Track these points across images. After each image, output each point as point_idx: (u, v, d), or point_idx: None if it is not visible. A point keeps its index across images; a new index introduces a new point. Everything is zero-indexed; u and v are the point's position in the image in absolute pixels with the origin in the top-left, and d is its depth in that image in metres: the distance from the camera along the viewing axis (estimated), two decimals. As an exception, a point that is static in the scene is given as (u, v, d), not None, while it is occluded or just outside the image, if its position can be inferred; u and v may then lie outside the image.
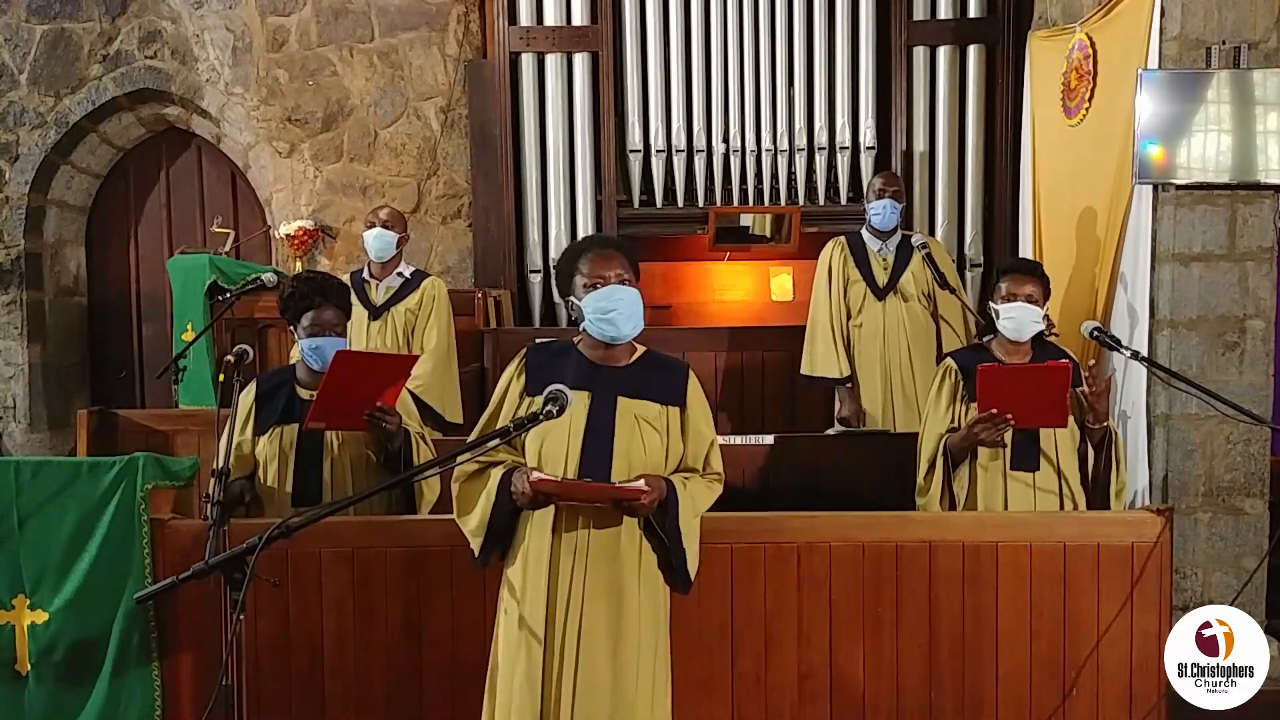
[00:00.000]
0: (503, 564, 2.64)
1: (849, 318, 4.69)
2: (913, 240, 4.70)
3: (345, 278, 4.46)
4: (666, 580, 2.61)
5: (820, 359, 4.69)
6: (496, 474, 2.56)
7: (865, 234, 4.73)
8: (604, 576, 2.53)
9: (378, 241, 4.51)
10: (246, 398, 3.24)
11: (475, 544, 2.60)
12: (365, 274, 4.59)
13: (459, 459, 2.48)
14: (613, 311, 2.54)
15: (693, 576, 2.61)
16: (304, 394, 3.22)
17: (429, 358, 4.46)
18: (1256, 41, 4.01)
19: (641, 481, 2.47)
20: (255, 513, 3.18)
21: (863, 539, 3.05)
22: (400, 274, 4.57)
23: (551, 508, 2.54)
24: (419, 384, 4.32)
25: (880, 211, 4.64)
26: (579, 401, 2.55)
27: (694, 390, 2.67)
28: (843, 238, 4.79)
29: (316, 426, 3.11)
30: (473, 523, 2.60)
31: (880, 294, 4.65)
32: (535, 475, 2.45)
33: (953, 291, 4.57)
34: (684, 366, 2.69)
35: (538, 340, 2.74)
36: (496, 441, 2.49)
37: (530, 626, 2.52)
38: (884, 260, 4.68)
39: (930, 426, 3.39)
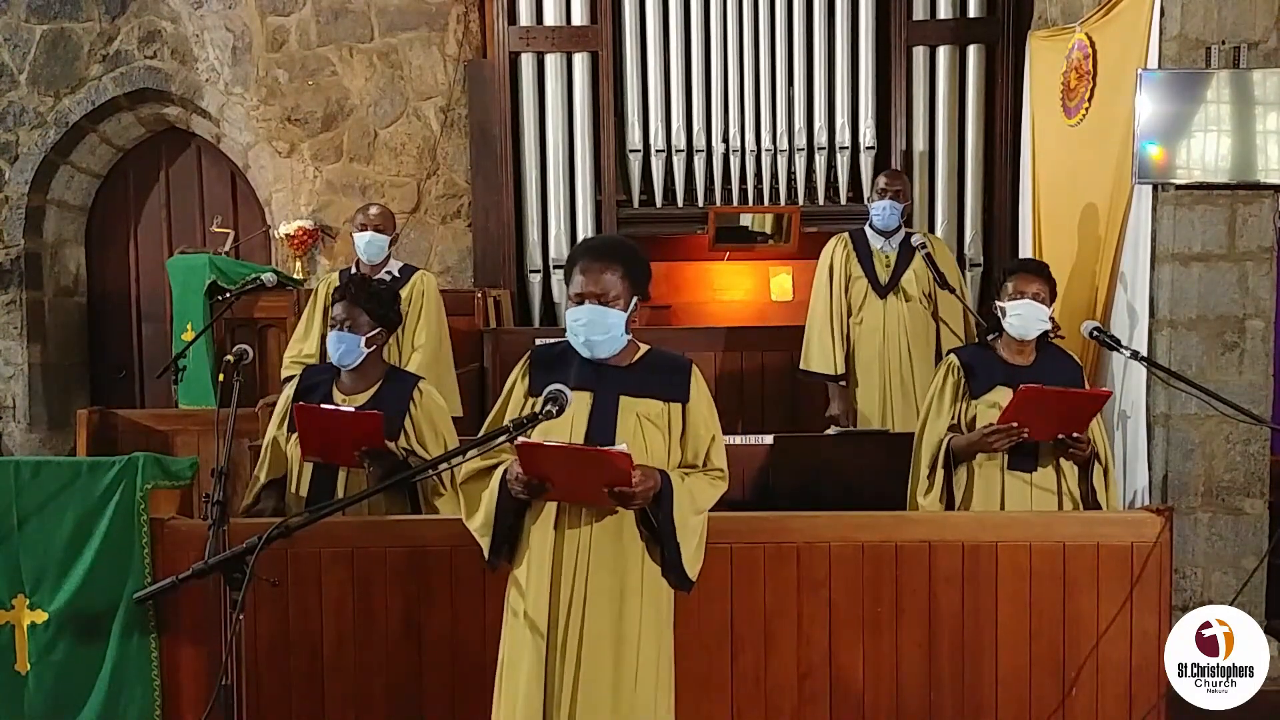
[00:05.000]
0: (511, 565, 2.63)
1: (849, 315, 4.69)
2: (913, 240, 4.69)
3: (334, 276, 4.49)
4: (665, 577, 2.58)
5: (815, 355, 4.69)
6: (499, 472, 2.55)
7: (869, 231, 4.72)
8: (606, 577, 2.52)
9: (371, 246, 4.48)
10: (287, 392, 3.30)
11: (484, 543, 2.59)
12: (354, 273, 4.58)
13: (455, 460, 2.50)
14: (582, 335, 2.54)
15: (693, 575, 2.57)
16: (339, 397, 3.24)
17: (419, 355, 4.44)
18: (1256, 41, 4.01)
19: (623, 446, 2.41)
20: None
21: (862, 539, 3.05)
22: (389, 272, 4.55)
23: (552, 508, 2.53)
24: None
25: (881, 211, 4.63)
26: (581, 402, 2.54)
27: (697, 387, 2.64)
28: (846, 234, 4.78)
29: (314, 460, 3.13)
30: (478, 520, 2.59)
31: (882, 292, 4.64)
32: (519, 439, 2.39)
33: (953, 291, 4.56)
34: (687, 363, 2.66)
35: (540, 343, 2.72)
36: (498, 442, 2.49)
37: (534, 623, 2.52)
38: (886, 258, 4.67)
39: (931, 424, 3.38)
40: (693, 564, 2.57)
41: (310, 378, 3.32)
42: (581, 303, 2.54)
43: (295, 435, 3.18)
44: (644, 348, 2.66)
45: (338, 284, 3.47)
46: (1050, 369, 3.30)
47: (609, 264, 2.56)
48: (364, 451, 3.08)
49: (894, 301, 4.63)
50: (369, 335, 3.22)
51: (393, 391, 3.26)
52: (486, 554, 2.60)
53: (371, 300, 3.24)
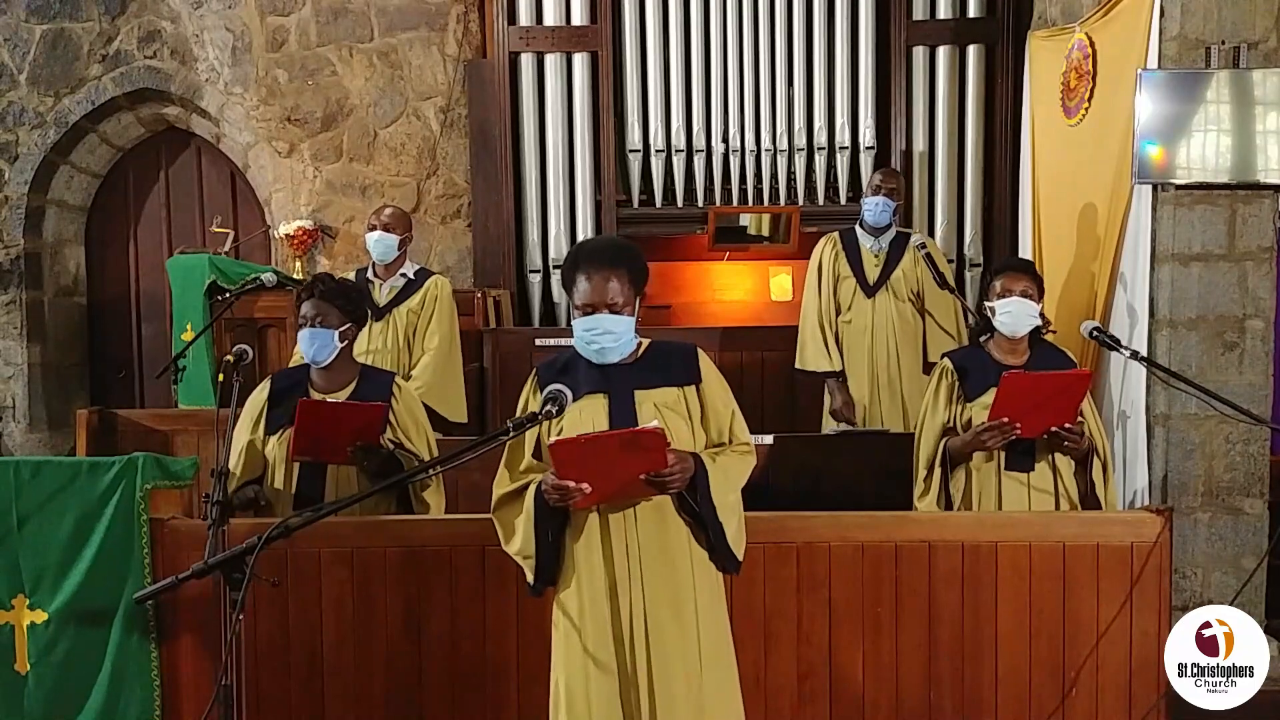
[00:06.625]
0: (553, 589, 2.58)
1: (838, 314, 4.69)
2: (912, 241, 4.69)
3: (350, 276, 4.46)
4: (713, 562, 2.58)
5: (810, 354, 4.70)
6: (530, 491, 2.52)
7: (859, 230, 4.72)
8: (660, 572, 2.50)
9: (379, 245, 4.46)
10: (260, 395, 3.25)
11: (528, 568, 2.55)
12: (370, 274, 4.53)
13: (451, 463, 2.48)
14: (596, 344, 2.53)
15: (739, 555, 2.57)
16: (315, 396, 3.23)
17: (429, 359, 4.43)
18: (1256, 41, 4.00)
19: (655, 423, 2.43)
20: (267, 515, 3.17)
21: (862, 539, 3.05)
22: (404, 274, 4.50)
23: (595, 521, 2.51)
24: (419, 386, 4.28)
25: (873, 207, 4.63)
26: (597, 404, 2.54)
27: (707, 366, 2.65)
28: (836, 233, 4.78)
29: (302, 459, 3.13)
30: (517, 543, 2.54)
31: (870, 291, 4.64)
32: (551, 439, 2.36)
33: (952, 291, 4.56)
34: (692, 347, 2.67)
35: (541, 361, 2.70)
36: (498, 441, 2.48)
37: (595, 655, 2.49)
38: (876, 257, 4.67)
39: (928, 427, 3.39)
40: (737, 543, 2.57)
41: (281, 381, 3.29)
42: (589, 313, 2.52)
43: (279, 435, 3.16)
44: (645, 341, 2.65)
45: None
46: (1044, 367, 3.30)
47: (613, 270, 2.54)
48: (358, 447, 3.07)
49: (882, 301, 4.63)
50: (341, 330, 3.20)
51: (373, 388, 3.26)
52: (532, 578, 2.56)
53: (341, 296, 3.23)
